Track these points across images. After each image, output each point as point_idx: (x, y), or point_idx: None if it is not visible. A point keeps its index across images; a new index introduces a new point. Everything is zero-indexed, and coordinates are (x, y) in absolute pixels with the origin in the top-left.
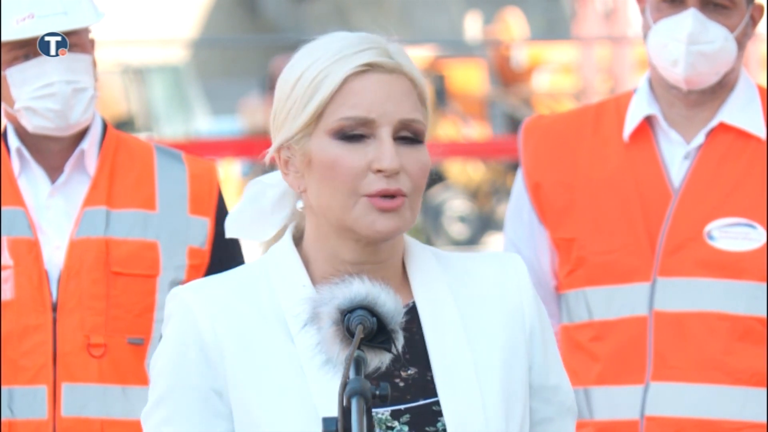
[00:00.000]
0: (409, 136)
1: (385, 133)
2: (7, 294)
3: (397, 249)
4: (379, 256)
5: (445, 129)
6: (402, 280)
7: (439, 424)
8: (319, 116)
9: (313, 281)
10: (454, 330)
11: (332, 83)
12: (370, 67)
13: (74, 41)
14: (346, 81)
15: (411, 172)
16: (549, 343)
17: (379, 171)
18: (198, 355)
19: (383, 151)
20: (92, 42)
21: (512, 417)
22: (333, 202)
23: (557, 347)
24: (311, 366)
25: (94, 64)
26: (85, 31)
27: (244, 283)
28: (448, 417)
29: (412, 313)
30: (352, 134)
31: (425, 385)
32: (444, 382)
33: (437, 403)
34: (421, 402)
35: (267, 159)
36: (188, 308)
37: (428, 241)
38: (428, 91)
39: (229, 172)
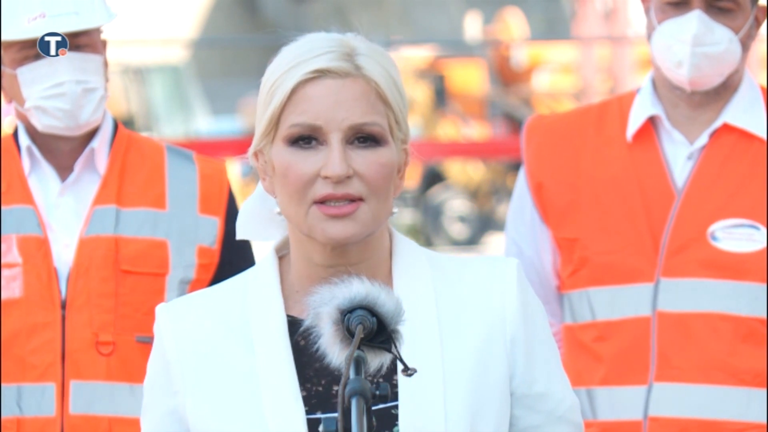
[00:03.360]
0: (365, 138)
1: (335, 140)
2: (16, 291)
3: (374, 250)
4: (350, 259)
5: (445, 129)
6: (386, 279)
7: (395, 429)
8: (276, 124)
9: (293, 285)
10: (427, 334)
11: (284, 91)
12: (320, 74)
13: (85, 41)
14: (296, 88)
15: (365, 175)
16: (536, 351)
17: (327, 177)
18: (163, 375)
19: (330, 157)
20: (104, 42)
21: (480, 425)
22: (290, 209)
23: (553, 354)
24: (268, 384)
25: (106, 64)
26: (96, 31)
27: (219, 299)
28: (404, 422)
29: None
30: (303, 141)
31: (390, 388)
32: (407, 387)
33: (397, 407)
34: (380, 406)
35: (251, 164)
36: (159, 328)
37: (428, 241)
38: (396, 89)
39: (228, 172)
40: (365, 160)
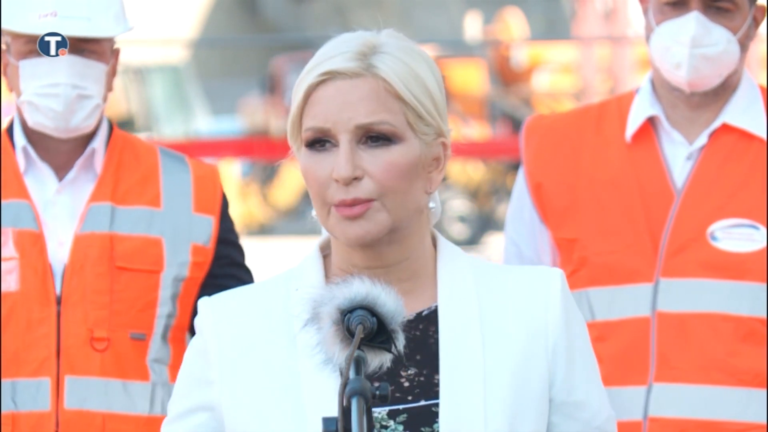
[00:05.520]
0: (377, 138)
1: (344, 141)
2: (12, 285)
3: (412, 251)
4: (385, 261)
5: None
6: (431, 282)
7: (435, 425)
8: (299, 128)
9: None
10: (470, 337)
11: (299, 95)
12: (330, 75)
13: (92, 48)
14: (309, 92)
15: (375, 174)
16: (576, 360)
17: (336, 180)
18: (200, 369)
19: (338, 160)
20: (115, 52)
21: (520, 428)
22: (317, 211)
23: (592, 365)
24: (308, 378)
25: (112, 73)
26: (107, 40)
27: (262, 295)
28: (444, 418)
29: (433, 315)
30: (319, 144)
31: (431, 387)
32: (448, 385)
33: (438, 405)
34: (422, 403)
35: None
36: (201, 322)
37: None
38: (417, 85)
39: (228, 172)
40: (376, 159)
